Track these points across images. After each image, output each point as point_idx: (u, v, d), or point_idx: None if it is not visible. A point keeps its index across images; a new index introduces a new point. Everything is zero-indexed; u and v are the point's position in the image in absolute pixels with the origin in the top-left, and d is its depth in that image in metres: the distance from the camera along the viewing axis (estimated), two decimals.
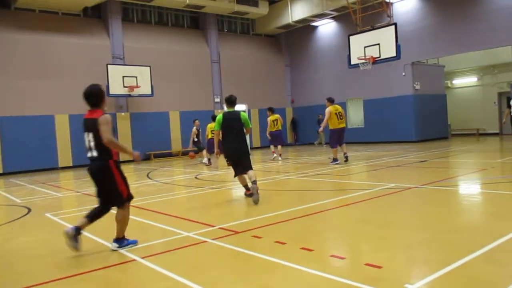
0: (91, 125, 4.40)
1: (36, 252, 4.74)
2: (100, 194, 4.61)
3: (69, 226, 4.55)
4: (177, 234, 5.01)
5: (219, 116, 7.10)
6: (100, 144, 4.36)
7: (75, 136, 17.48)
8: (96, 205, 4.63)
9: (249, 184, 6.94)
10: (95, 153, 4.42)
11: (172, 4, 19.30)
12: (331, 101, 11.95)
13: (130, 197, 4.64)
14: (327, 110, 11.69)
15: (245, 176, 7.13)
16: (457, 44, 17.68)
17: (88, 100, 4.47)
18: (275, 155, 14.76)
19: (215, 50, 21.86)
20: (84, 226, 4.51)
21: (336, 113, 11.71)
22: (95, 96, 4.47)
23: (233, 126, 6.92)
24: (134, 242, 4.66)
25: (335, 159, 11.90)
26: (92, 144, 4.42)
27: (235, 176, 7.30)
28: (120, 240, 4.59)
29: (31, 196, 9.41)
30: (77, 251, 4.41)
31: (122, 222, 4.58)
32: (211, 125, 13.65)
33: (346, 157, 12.12)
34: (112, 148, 4.40)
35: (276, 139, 14.50)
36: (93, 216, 4.60)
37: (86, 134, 4.47)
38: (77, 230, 4.41)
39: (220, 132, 7.07)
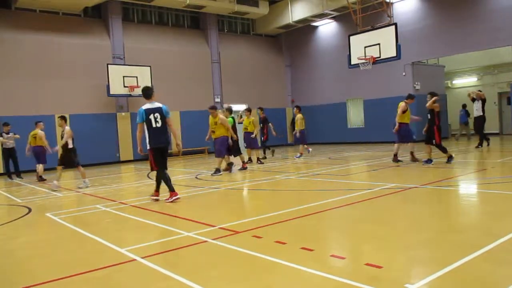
0: None
1: (36, 252, 4.74)
2: None
3: None
4: (177, 234, 5.01)
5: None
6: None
7: (75, 136, 17.44)
8: None
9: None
10: None
11: (172, 4, 19.30)
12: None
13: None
14: (223, 117, 11.30)
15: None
16: (457, 44, 17.68)
17: None
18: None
19: (215, 50, 21.86)
20: None
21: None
22: None
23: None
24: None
25: (217, 170, 11.18)
26: None
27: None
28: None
29: (32, 196, 9.42)
30: None
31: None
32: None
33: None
34: None
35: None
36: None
37: None
38: None
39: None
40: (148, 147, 7.38)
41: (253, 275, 3.57)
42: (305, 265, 3.58)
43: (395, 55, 14.34)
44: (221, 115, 11.25)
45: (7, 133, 13.42)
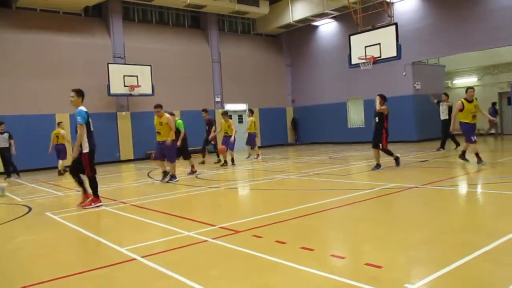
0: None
1: (36, 251, 4.75)
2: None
3: None
4: (177, 233, 5.02)
5: None
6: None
7: (75, 135, 17.47)
8: None
9: None
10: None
11: (173, 3, 19.30)
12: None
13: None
14: (169, 117, 10.24)
15: None
16: (458, 44, 17.67)
17: None
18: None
19: (215, 49, 21.86)
20: None
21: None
22: None
23: None
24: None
25: (173, 176, 10.27)
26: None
27: None
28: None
29: (32, 195, 9.42)
30: None
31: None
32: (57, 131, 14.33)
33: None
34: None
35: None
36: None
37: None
38: None
39: None
40: (85, 151, 7.19)
41: (253, 274, 3.57)
42: (305, 265, 3.58)
43: (395, 55, 14.34)
44: (167, 115, 10.08)
45: (2, 133, 13.43)
